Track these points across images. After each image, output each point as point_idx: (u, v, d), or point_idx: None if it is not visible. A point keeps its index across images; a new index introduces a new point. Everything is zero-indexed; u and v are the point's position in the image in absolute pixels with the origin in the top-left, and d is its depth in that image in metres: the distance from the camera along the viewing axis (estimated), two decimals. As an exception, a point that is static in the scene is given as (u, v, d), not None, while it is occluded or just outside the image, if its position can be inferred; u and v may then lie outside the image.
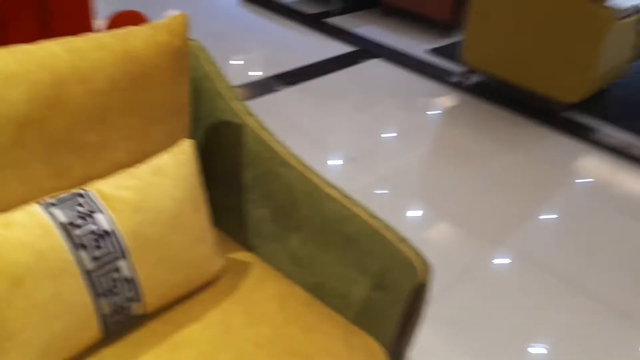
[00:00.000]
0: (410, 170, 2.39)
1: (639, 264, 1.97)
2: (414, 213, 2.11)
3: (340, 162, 2.39)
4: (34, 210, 0.83)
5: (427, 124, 2.78)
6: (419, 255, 1.00)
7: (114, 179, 0.93)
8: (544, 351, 1.58)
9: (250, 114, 1.22)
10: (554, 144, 2.72)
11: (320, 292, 1.10)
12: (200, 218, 1.01)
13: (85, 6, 2.03)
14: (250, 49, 3.46)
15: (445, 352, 1.55)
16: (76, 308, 0.82)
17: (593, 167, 2.56)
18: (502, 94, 3.12)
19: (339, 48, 3.59)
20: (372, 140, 2.58)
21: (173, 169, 0.98)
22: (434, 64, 3.43)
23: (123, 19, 1.87)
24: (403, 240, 1.02)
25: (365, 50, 3.57)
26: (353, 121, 2.73)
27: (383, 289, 1.01)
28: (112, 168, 0.97)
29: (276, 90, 2.93)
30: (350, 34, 3.80)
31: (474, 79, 3.27)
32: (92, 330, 0.86)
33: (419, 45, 3.71)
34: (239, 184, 1.21)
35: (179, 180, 0.97)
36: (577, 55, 2.66)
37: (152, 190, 0.93)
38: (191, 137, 1.22)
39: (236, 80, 2.98)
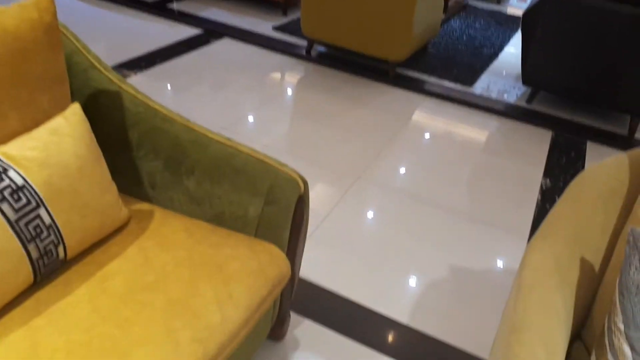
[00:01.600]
0: (275, 133, 2.63)
1: (473, 181, 2.46)
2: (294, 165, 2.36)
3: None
4: (-54, 174, 0.89)
5: (282, 93, 3.04)
6: (297, 173, 1.24)
7: (15, 143, 1.01)
8: (413, 255, 1.96)
9: (124, 81, 1.34)
10: (391, 96, 3.18)
11: (222, 219, 1.29)
12: (102, 170, 1.13)
13: None
14: (94, 40, 3.39)
15: (329, 265, 1.83)
16: (9, 254, 0.91)
17: (424, 110, 3.06)
18: (342, 60, 3.50)
19: (187, 31, 3.68)
20: (235, 114, 2.77)
21: (68, 128, 1.08)
22: (280, 40, 3.70)
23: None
24: (283, 164, 1.25)
25: (213, 31, 3.71)
26: (213, 99, 2.89)
27: (273, 204, 1.24)
28: (8, 136, 1.05)
29: (127, 77, 2.96)
30: (196, 17, 3.90)
31: (317, 50, 3.61)
32: (25, 274, 0.95)
33: (264, 24, 3.95)
34: (127, 144, 1.34)
35: (75, 138, 1.08)
36: (396, 19, 3.12)
37: (53, 148, 1.03)
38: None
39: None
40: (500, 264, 1.96)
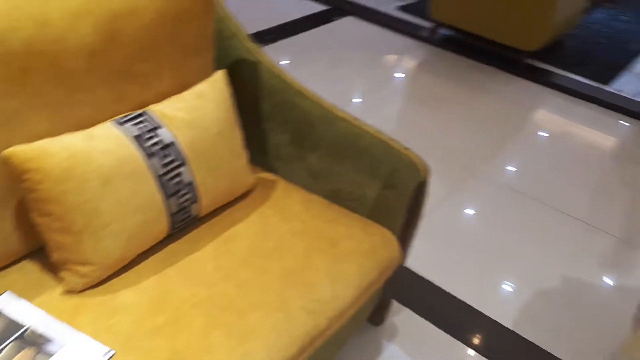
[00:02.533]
0: (390, 118, 2.60)
1: (599, 187, 2.26)
2: (409, 145, 2.33)
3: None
4: (109, 126, 0.99)
5: (399, 76, 2.99)
6: (420, 159, 1.22)
7: (166, 103, 1.09)
8: (524, 258, 1.85)
9: (262, 53, 1.39)
10: (518, 88, 2.98)
11: (337, 197, 1.30)
12: (237, 136, 1.18)
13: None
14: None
15: (434, 257, 1.79)
16: (152, 205, 1.00)
17: (552, 106, 2.84)
18: (469, 46, 3.35)
19: (313, 7, 3.72)
20: (348, 93, 2.77)
21: (212, 93, 1.15)
22: (404, 20, 3.62)
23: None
24: (406, 148, 1.23)
25: (338, 8, 3.72)
26: (328, 76, 2.91)
27: (392, 187, 1.23)
28: (161, 95, 1.13)
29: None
30: (322, -6, 3.93)
31: (443, 33, 3.48)
32: (163, 225, 1.04)
33: (389, 3, 3.88)
34: (258, 115, 1.39)
35: (218, 103, 1.14)
36: (536, 6, 2.90)
37: (198, 111, 1.10)
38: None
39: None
40: (620, 281, 1.79)
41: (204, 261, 1.06)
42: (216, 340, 0.91)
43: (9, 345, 0.87)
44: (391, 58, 3.17)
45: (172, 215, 1.05)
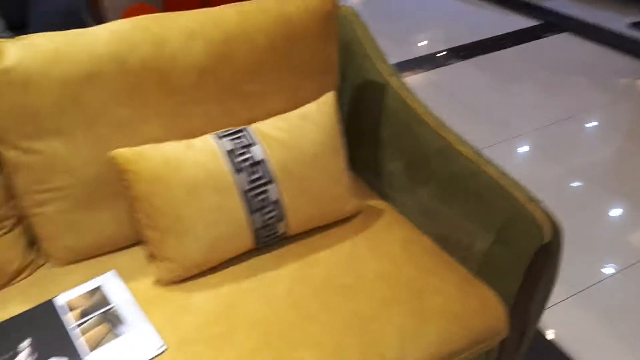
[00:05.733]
0: (608, 162, 2.15)
1: None
2: (615, 212, 1.91)
3: (527, 148, 2.25)
4: (208, 139, 1.05)
5: (628, 109, 2.47)
6: (548, 215, 0.98)
7: (269, 121, 1.11)
8: None
9: (394, 74, 1.30)
10: None
11: (446, 243, 1.15)
12: (337, 161, 1.14)
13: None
14: (426, 23, 3.47)
15: (608, 341, 1.44)
16: (235, 219, 1.03)
17: None
18: None
19: (521, 22, 3.38)
20: (562, 126, 2.39)
21: (316, 115, 1.12)
22: (636, 40, 3.01)
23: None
24: (532, 199, 1.01)
25: (552, 23, 3.30)
26: (538, 102, 2.57)
27: (504, 244, 1.02)
28: (269, 114, 1.16)
29: (449, 64, 2.90)
30: (533, 6, 3.54)
31: (688, 55, 2.78)
32: (246, 239, 1.06)
33: (619, 19, 3.28)
34: (378, 139, 1.31)
35: (320, 126, 1.11)
36: None
37: (297, 132, 1.09)
38: (339, 95, 1.36)
39: (409, 53, 3.03)
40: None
41: (279, 282, 1.04)
42: (255, 366, 0.89)
43: (94, 317, 0.99)
44: (618, 84, 2.65)
45: (257, 230, 1.06)
